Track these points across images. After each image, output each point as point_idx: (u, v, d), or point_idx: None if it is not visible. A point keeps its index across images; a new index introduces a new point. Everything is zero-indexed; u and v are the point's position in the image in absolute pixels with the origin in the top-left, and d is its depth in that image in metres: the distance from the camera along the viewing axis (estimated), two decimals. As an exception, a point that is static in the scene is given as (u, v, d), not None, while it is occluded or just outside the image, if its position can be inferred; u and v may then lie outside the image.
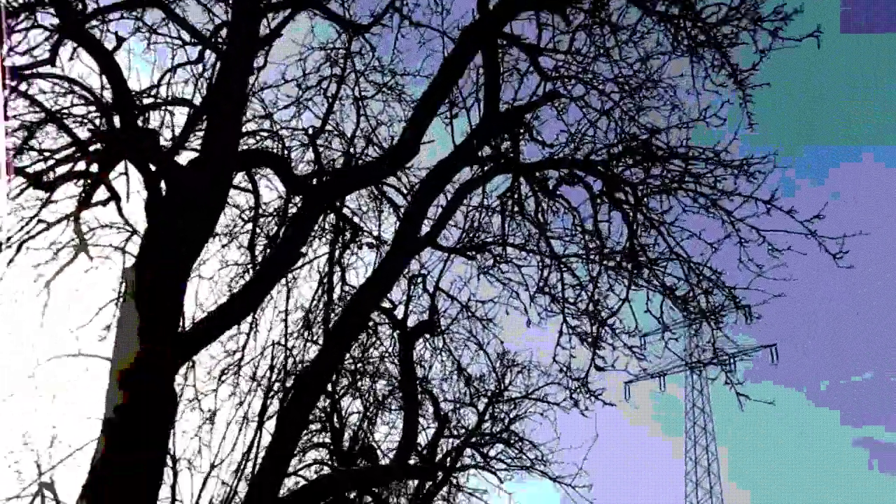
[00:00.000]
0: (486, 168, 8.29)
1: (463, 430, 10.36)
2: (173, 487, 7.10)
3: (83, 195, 9.88)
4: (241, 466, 7.09)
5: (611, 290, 7.76)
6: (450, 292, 10.38)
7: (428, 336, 9.91)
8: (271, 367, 7.91)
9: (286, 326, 8.41)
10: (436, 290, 10.04)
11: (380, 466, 8.61)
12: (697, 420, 74.82)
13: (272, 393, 7.69)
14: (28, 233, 9.88)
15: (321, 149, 11.17)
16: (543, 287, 8.65)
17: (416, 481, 21.20)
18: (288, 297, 8.80)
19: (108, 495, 5.06)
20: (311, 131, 11.26)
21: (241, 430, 7.50)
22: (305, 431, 18.18)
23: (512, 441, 20.84)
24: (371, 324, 10.49)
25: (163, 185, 7.43)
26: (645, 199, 7.37)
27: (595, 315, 8.06)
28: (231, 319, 6.35)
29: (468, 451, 21.28)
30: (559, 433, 17.80)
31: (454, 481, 21.59)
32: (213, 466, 7.17)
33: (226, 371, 9.49)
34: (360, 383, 10.49)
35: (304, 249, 11.23)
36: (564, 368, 8.56)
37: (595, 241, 8.06)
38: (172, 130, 10.01)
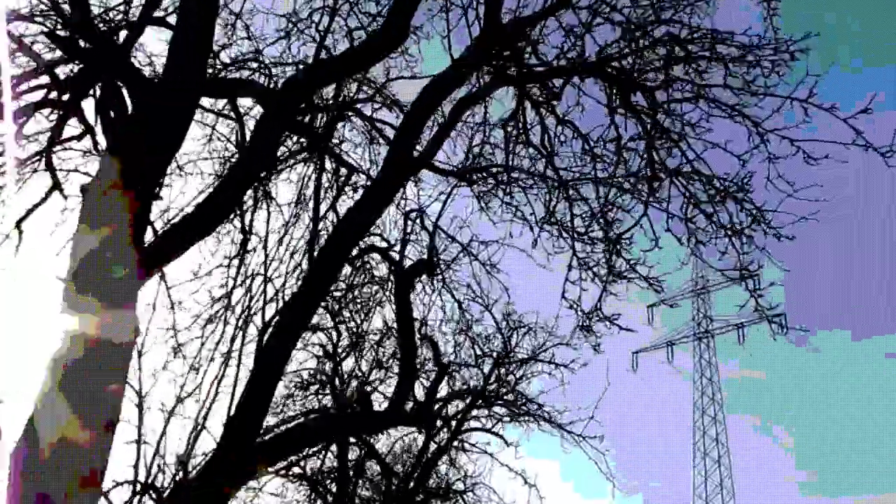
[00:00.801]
0: (485, 80, 7.53)
1: (465, 387, 9.68)
2: (139, 427, 6.48)
3: (54, 128, 9.18)
4: (209, 401, 6.45)
5: (626, 212, 7.01)
6: (450, 233, 9.67)
7: (426, 277, 9.21)
8: (249, 299, 7.21)
9: (267, 259, 7.70)
10: (435, 228, 9.32)
11: (373, 412, 7.97)
12: (705, 389, 74.45)
13: (249, 325, 7.02)
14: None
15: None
16: (550, 218, 7.93)
17: (420, 441, 20.77)
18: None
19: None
20: (300, 66, 10.58)
21: (221, 368, 6.87)
22: (305, 392, 17.63)
23: (519, 402, 20.32)
24: (367, 266, 9.82)
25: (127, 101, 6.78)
26: (664, 106, 6.62)
27: (608, 243, 7.35)
28: (200, 227, 5.66)
29: (473, 412, 20.90)
30: (566, 394, 17.23)
31: (459, 444, 21.15)
32: (179, 400, 6.51)
33: (212, 319, 8.84)
34: (354, 326, 9.78)
35: (296, 196, 10.58)
36: (575, 305, 7.87)
37: (609, 157, 7.33)
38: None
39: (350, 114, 11.05)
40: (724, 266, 6.67)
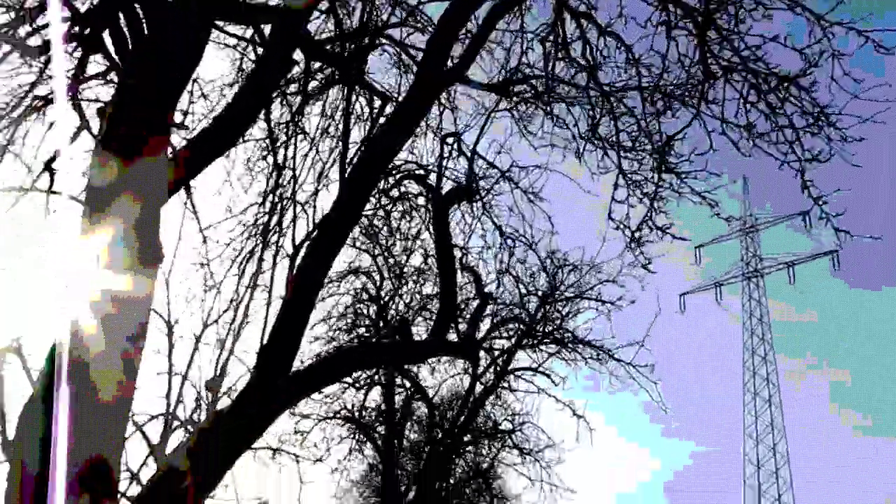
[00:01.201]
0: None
1: (511, 316, 9.27)
2: (169, 356, 6.30)
3: (78, 65, 8.93)
4: (237, 326, 6.23)
5: (674, 117, 6.49)
6: (489, 159, 9.25)
7: (466, 204, 8.84)
8: (280, 224, 6.93)
9: (296, 181, 7.38)
10: (473, 153, 8.92)
11: (414, 341, 7.71)
12: (755, 330, 73.45)
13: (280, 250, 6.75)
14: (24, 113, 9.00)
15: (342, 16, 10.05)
16: (594, 134, 7.46)
17: (466, 382, 20.64)
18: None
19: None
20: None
21: (249, 291, 6.62)
22: (349, 336, 17.52)
23: (566, 339, 20.01)
24: (406, 196, 9.48)
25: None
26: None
27: (656, 154, 6.86)
28: (223, 137, 5.37)
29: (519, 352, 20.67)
30: (613, 331, 16.90)
31: (506, 384, 20.97)
32: (205, 326, 6.31)
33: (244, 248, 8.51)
34: (394, 263, 9.46)
35: (326, 126, 10.20)
36: (622, 224, 7.45)
37: (656, 67, 6.81)
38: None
39: (381, 40, 10.59)
40: (780, 186, 6.15)
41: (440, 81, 6.59)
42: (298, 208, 7.26)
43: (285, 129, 10.01)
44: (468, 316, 8.83)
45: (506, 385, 20.89)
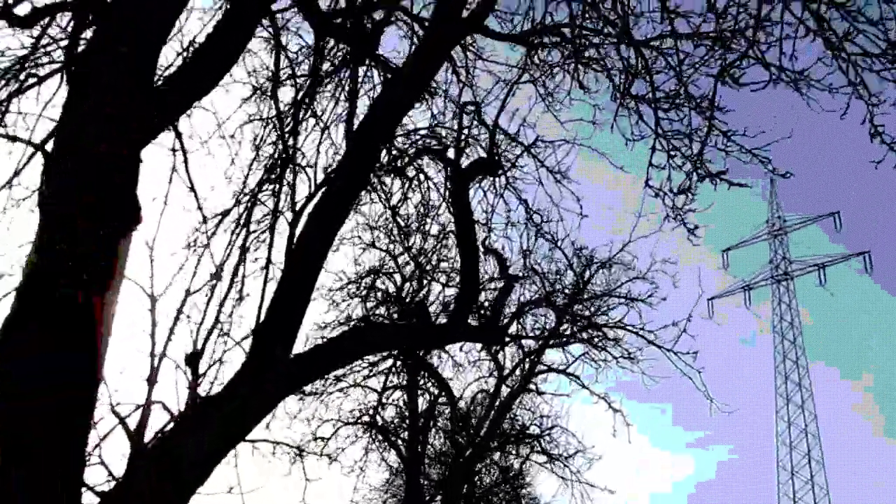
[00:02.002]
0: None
1: (539, 296, 8.45)
2: (152, 334, 5.64)
3: (72, 37, 8.35)
4: (223, 293, 5.55)
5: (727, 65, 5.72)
6: (511, 133, 8.54)
7: (488, 178, 8.13)
8: (279, 190, 6.23)
9: (295, 143, 6.69)
10: (495, 125, 8.22)
11: (433, 325, 7.02)
12: (786, 334, 72.06)
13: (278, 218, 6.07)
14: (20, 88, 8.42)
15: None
16: (627, 92, 6.73)
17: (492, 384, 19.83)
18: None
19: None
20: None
21: (239, 258, 5.93)
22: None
23: (595, 340, 19.18)
24: (421, 176, 8.79)
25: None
26: None
27: (699, 104, 6.12)
28: (204, 76, 4.72)
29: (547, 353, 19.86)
30: (645, 324, 16.09)
31: (534, 387, 20.15)
32: (187, 294, 5.62)
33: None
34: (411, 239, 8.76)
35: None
36: (661, 192, 6.71)
37: (696, 15, 6.08)
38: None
39: (396, 14, 9.94)
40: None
41: (454, 31, 5.91)
42: (300, 170, 6.55)
43: (293, 112, 9.39)
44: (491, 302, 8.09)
45: (533, 387, 20.18)
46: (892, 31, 5.05)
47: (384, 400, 19.25)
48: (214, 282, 5.79)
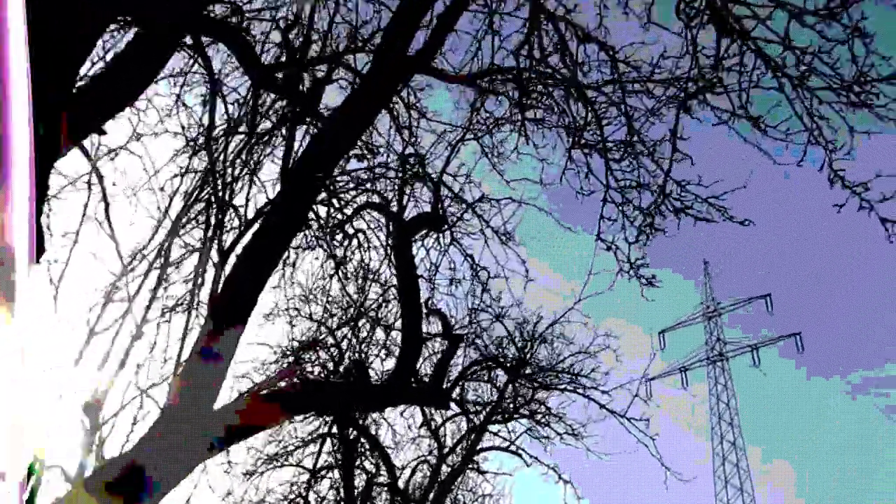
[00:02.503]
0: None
1: (484, 355, 7.95)
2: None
3: None
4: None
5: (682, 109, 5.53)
6: (454, 190, 8.24)
7: (432, 235, 7.76)
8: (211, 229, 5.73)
9: (228, 183, 6.22)
10: (439, 181, 7.91)
11: (373, 384, 6.49)
12: (723, 415, 72.61)
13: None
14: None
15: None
16: (578, 140, 6.51)
17: (433, 458, 19.02)
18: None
19: None
20: (282, 24, 9.29)
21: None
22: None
23: (538, 417, 18.68)
24: (360, 230, 8.37)
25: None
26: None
27: (653, 148, 5.91)
28: (128, 83, 4.25)
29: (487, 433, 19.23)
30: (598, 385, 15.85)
31: (475, 465, 19.40)
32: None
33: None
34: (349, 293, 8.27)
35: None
36: (612, 246, 6.44)
37: (646, 66, 5.94)
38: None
39: (340, 69, 9.68)
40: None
41: (399, 66, 5.60)
42: (229, 209, 6.06)
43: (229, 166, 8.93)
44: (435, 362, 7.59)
45: (474, 466, 19.44)
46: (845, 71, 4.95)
47: (318, 479, 18.33)
48: (121, 321, 5.21)
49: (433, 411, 18.37)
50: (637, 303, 6.94)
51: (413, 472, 18.37)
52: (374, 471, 18.69)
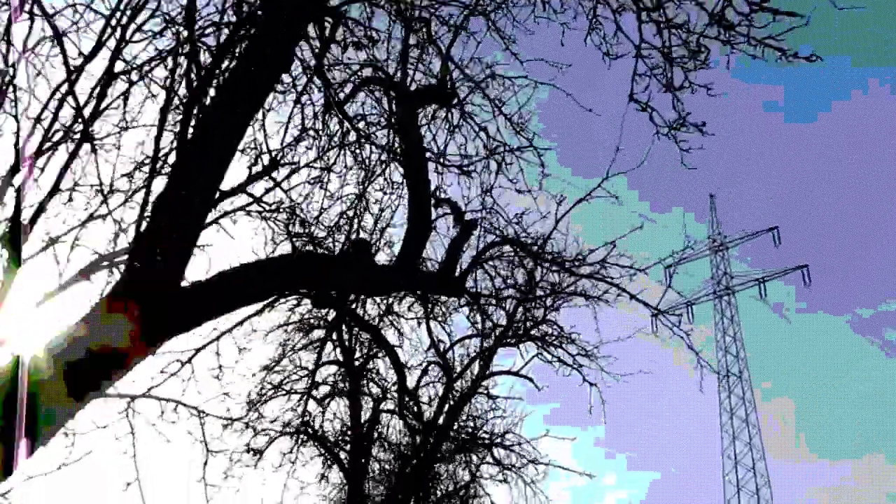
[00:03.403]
0: None
1: (500, 238, 7.15)
2: None
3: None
4: None
5: None
6: (461, 66, 7.36)
7: (440, 108, 6.91)
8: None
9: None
10: (447, 55, 7.04)
11: (376, 264, 5.76)
12: (729, 348, 72.60)
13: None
14: None
15: None
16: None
17: (441, 382, 18.46)
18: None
19: None
20: None
21: None
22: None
23: (548, 338, 18.06)
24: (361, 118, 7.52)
25: None
26: None
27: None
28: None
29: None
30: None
31: (485, 390, 18.85)
32: None
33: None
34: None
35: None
36: (647, 107, 5.61)
37: None
38: None
39: None
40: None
41: None
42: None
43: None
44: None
45: (483, 391, 18.87)
46: None
47: (324, 408, 17.83)
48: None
49: (439, 336, 17.81)
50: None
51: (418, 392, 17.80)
52: (381, 394, 18.20)
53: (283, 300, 9.81)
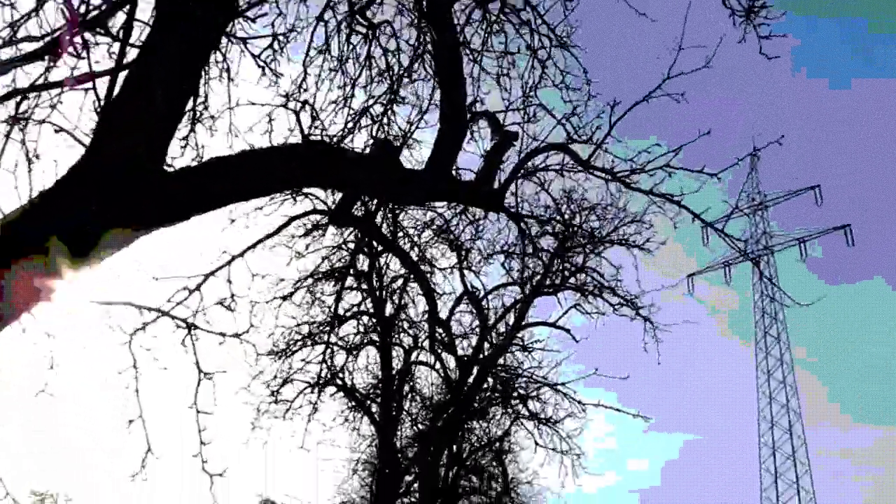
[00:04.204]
0: None
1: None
2: None
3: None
4: None
5: None
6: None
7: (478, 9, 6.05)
8: None
9: None
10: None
11: (405, 168, 4.95)
12: (767, 308, 71.11)
13: None
14: None
15: None
16: None
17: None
18: None
19: None
20: None
21: None
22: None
23: (588, 287, 17.27)
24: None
25: None
26: None
27: None
28: None
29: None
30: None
31: (520, 342, 18.10)
32: None
33: None
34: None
35: None
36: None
37: None
38: None
39: None
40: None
41: None
42: None
43: None
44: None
45: (519, 342, 18.10)
46: None
47: (354, 359, 17.23)
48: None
49: (473, 284, 17.00)
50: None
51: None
52: (412, 343, 17.58)
53: (300, 220, 9.03)
